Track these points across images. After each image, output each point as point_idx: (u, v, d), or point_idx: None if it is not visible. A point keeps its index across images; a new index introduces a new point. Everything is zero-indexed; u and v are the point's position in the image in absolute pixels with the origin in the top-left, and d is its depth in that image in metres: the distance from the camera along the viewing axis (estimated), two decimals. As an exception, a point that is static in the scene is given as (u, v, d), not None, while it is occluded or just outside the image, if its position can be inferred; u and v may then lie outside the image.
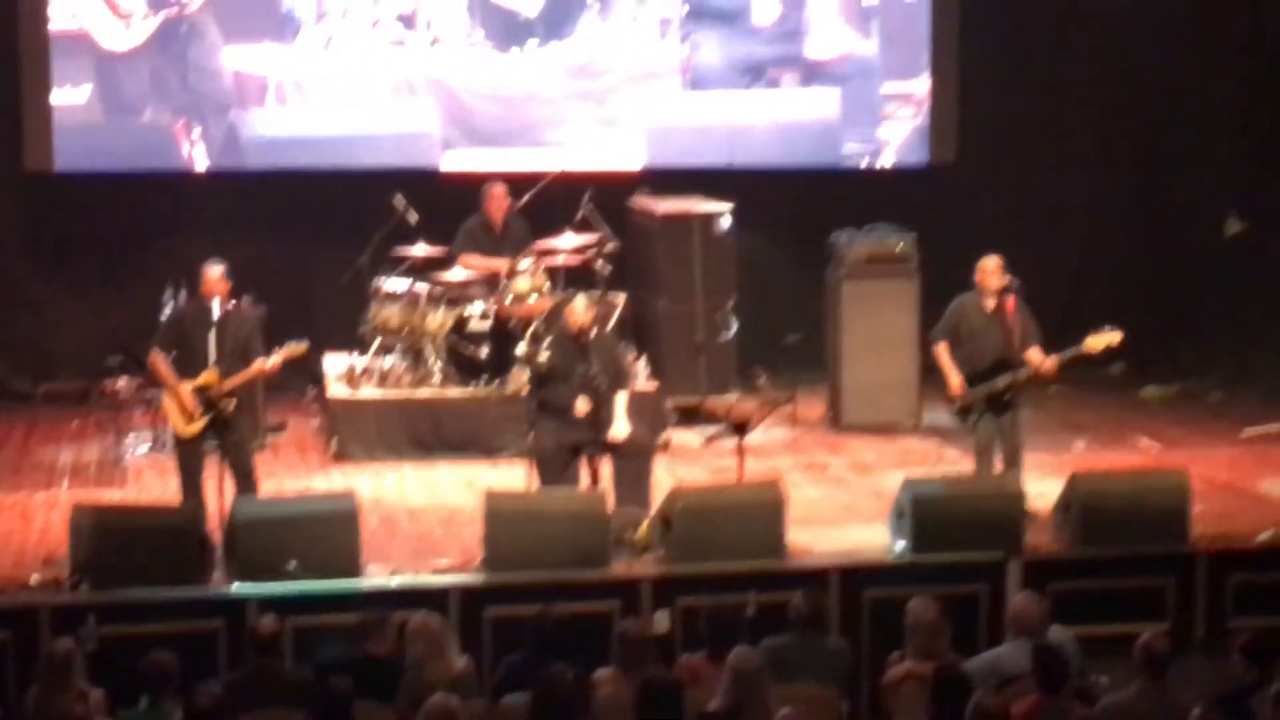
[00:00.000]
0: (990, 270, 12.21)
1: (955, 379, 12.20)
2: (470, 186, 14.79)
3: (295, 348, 11.84)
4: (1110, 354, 12.51)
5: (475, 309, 14.04)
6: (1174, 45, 16.68)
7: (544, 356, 12.10)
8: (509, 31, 16.09)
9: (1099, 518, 11.37)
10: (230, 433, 11.57)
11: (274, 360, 11.70)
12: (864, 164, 16.67)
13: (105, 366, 14.53)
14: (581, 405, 11.89)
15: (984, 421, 12.21)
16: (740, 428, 11.95)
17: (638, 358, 14.52)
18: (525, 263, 14.19)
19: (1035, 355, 12.13)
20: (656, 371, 14.60)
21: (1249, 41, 16.58)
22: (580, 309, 12.12)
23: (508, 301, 14.00)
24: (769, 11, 16.43)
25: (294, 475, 13.46)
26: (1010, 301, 12.17)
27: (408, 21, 15.94)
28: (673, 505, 11.15)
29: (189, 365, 11.50)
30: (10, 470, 13.59)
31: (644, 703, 7.85)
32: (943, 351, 12.31)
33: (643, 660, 8.70)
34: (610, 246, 14.71)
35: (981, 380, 12.15)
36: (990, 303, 12.22)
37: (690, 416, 14.72)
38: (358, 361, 14.36)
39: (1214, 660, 9.83)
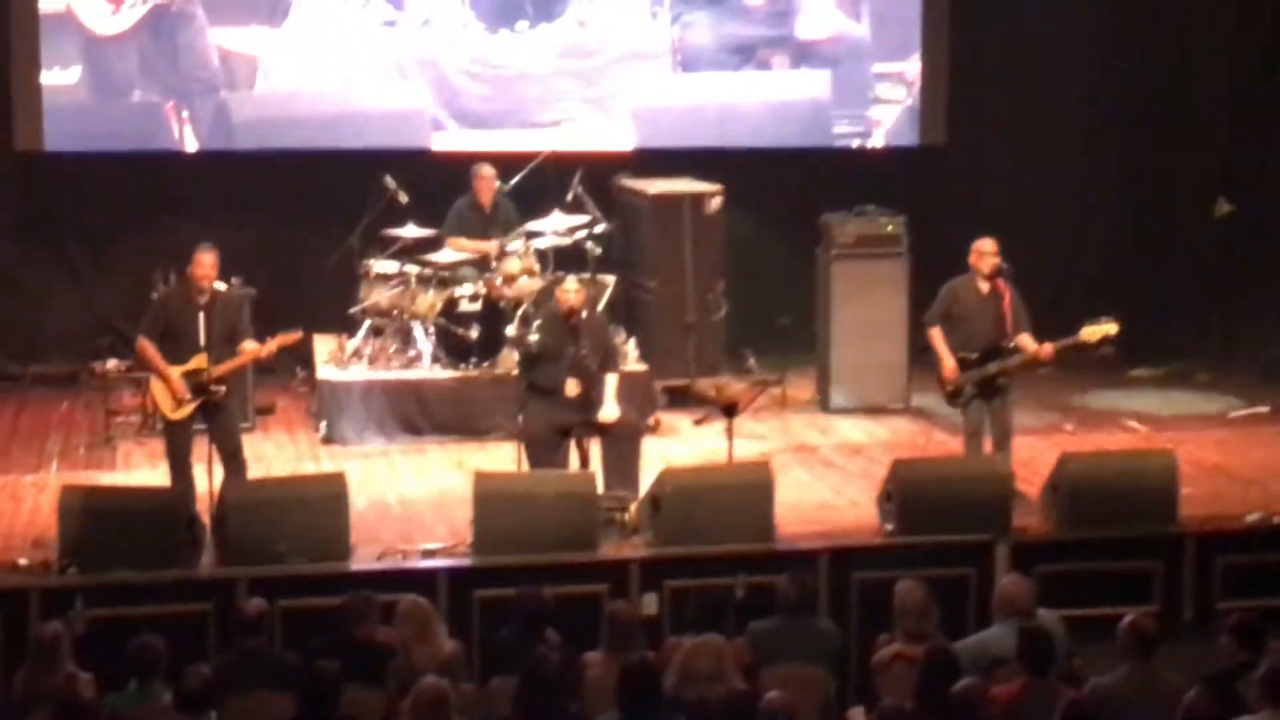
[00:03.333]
0: (986, 252, 12.20)
1: (949, 363, 12.19)
2: (460, 167, 14.77)
3: (289, 336, 11.84)
4: (1103, 342, 12.52)
5: (465, 290, 14.03)
6: (1162, 28, 16.68)
7: (534, 338, 12.11)
8: (499, 12, 16.07)
9: (1087, 500, 11.38)
10: (219, 415, 11.57)
11: (268, 348, 11.70)
12: (854, 145, 16.66)
13: (94, 348, 14.53)
14: (571, 387, 11.90)
15: (974, 404, 12.20)
16: (729, 409, 11.94)
17: (627, 339, 14.51)
18: (515, 244, 14.18)
19: (1028, 341, 12.12)
20: (646, 353, 14.59)
21: (1236, 23, 16.58)
22: (570, 290, 12.13)
23: (498, 283, 13.99)
24: (760, -8, 16.47)
25: (283, 457, 13.46)
26: (1004, 285, 12.17)
27: (397, 2, 15.91)
28: (662, 487, 11.16)
29: (177, 349, 11.48)
30: (-1, 452, 13.61)
31: (626, 685, 7.85)
32: (936, 335, 12.29)
33: (631, 642, 8.71)
34: (601, 228, 14.71)
35: (975, 364, 12.15)
36: (985, 285, 12.20)
37: (680, 398, 14.72)
38: (347, 343, 14.35)
39: (1202, 642, 9.84)
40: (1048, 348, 12.10)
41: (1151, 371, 16.01)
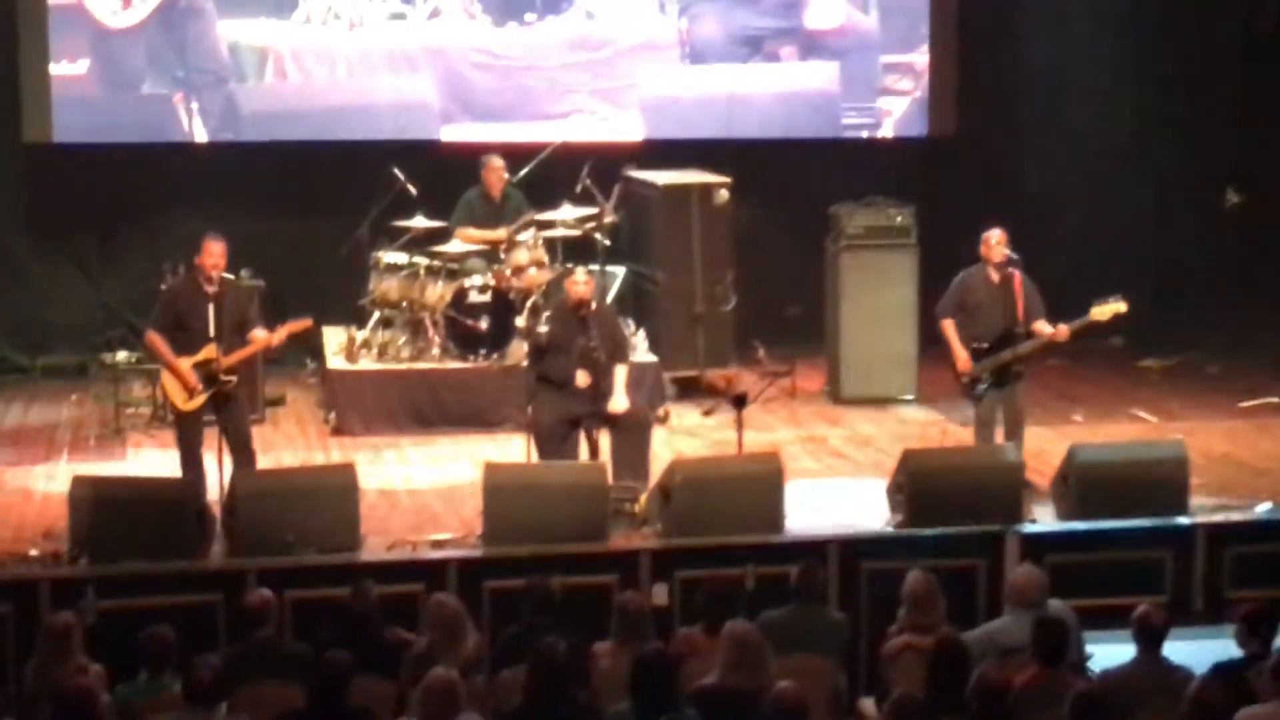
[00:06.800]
0: (995, 242, 12.23)
1: (962, 355, 12.21)
2: (469, 158, 14.78)
3: (299, 323, 11.84)
4: (1113, 324, 12.53)
5: (474, 282, 14.03)
6: (1172, 17, 16.66)
7: (543, 329, 12.10)
8: (508, 4, 16.08)
9: (1097, 490, 11.37)
10: (229, 407, 11.57)
11: (278, 335, 11.72)
12: (863, 136, 16.67)
13: (104, 340, 14.54)
14: (581, 378, 11.90)
15: (987, 393, 12.22)
16: (739, 400, 11.94)
17: (636, 331, 14.51)
18: (524, 235, 14.18)
19: (1042, 327, 12.15)
20: (655, 344, 14.60)
21: (1247, 13, 16.56)
22: (580, 281, 12.13)
23: (507, 274, 13.99)
24: (768, -17, 16.46)
25: (293, 448, 13.47)
26: (1016, 274, 12.19)
27: (406, -6, 15.96)
28: (672, 478, 11.15)
29: (187, 340, 11.48)
30: (9, 443, 13.59)
31: (639, 676, 7.84)
32: (949, 327, 12.30)
33: (641, 633, 8.71)
34: (609, 219, 14.70)
35: (988, 353, 12.17)
36: (996, 275, 12.23)
37: (689, 389, 14.72)
38: (357, 334, 14.35)
39: (1212, 632, 9.84)
40: (1063, 329, 12.14)
41: (1161, 362, 16.01)
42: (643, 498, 11.48)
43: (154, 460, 12.97)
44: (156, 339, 11.56)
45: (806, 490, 12.07)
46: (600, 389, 11.96)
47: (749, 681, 8.07)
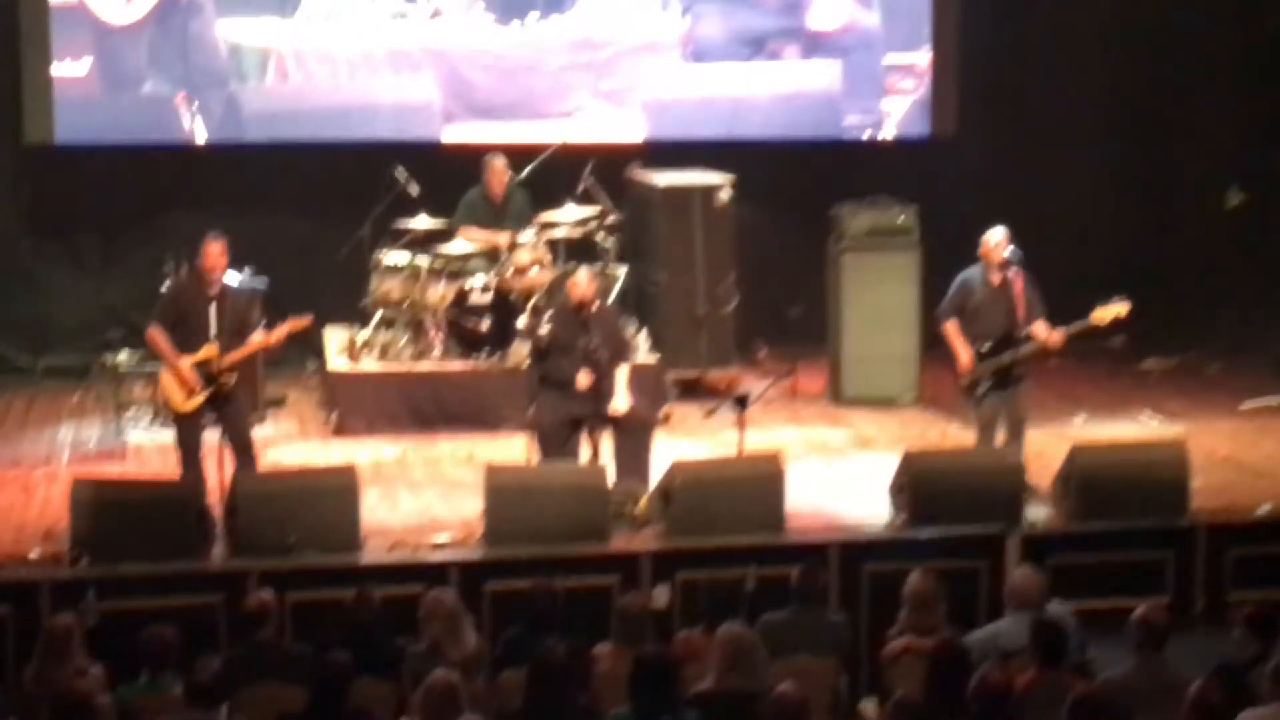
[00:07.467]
0: (995, 243, 12.21)
1: (965, 355, 12.19)
2: (471, 159, 14.76)
3: (298, 321, 11.83)
4: (1114, 326, 12.51)
5: (476, 282, 14.02)
6: (1175, 17, 16.65)
7: (545, 330, 12.10)
8: (510, 3, 16.06)
9: (1098, 491, 11.37)
10: (229, 407, 11.56)
11: (277, 333, 11.71)
12: (865, 136, 16.65)
13: (105, 340, 14.54)
14: (583, 379, 11.89)
15: (988, 395, 12.20)
16: (740, 401, 11.93)
17: (638, 331, 14.51)
18: (526, 235, 14.17)
19: (1041, 329, 12.13)
20: (657, 345, 14.59)
21: (1249, 13, 16.55)
22: (583, 282, 12.12)
23: (509, 274, 13.99)
24: (770, -17, 16.45)
25: (294, 449, 13.46)
26: (1016, 275, 12.17)
27: (408, -7, 15.95)
28: (673, 479, 11.15)
29: (188, 340, 11.48)
30: (10, 445, 13.59)
31: (638, 678, 7.84)
32: (951, 328, 12.28)
33: (641, 635, 8.71)
34: (611, 219, 14.69)
35: (989, 354, 12.15)
36: (996, 276, 12.21)
37: (691, 390, 14.71)
38: (358, 334, 14.34)
39: (1214, 634, 9.84)
40: (1058, 334, 12.10)
41: (1162, 363, 15.99)
42: (644, 499, 11.48)
43: (154, 461, 12.97)
44: (158, 335, 11.56)
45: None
46: (602, 390, 11.95)
47: (745, 684, 8.08)
